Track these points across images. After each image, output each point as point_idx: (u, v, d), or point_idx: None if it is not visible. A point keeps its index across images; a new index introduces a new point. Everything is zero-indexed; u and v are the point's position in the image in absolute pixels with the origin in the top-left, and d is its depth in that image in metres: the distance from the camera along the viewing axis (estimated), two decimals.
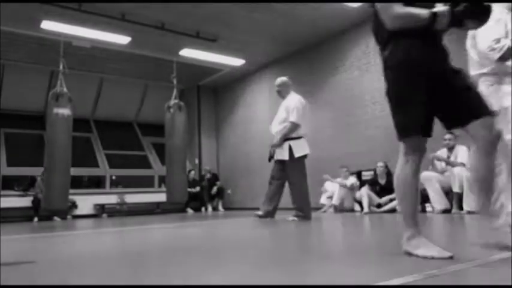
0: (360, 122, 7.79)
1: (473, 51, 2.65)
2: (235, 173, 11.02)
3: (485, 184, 1.87)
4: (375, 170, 6.73)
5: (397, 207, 6.16)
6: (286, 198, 5.36)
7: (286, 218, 4.99)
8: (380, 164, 6.60)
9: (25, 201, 8.69)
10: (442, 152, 5.84)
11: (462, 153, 5.66)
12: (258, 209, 5.47)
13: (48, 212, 8.19)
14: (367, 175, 7.07)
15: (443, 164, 5.77)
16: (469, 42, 2.68)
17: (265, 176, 9.86)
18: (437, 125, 6.26)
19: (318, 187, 7.79)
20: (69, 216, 8.81)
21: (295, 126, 5.05)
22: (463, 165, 5.48)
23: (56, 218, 8.43)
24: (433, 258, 1.66)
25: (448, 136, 5.79)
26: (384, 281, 1.33)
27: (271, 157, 5.34)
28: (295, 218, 4.93)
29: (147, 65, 9.94)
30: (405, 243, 1.83)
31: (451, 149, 5.76)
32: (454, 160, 5.64)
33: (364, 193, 6.39)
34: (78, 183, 9.67)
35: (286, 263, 1.92)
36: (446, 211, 5.44)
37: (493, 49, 2.45)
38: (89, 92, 10.79)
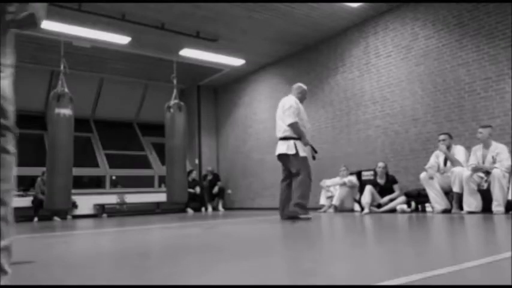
0: (360, 122, 7.79)
1: None
2: (235, 173, 11.02)
3: None
4: (374, 170, 6.73)
5: (397, 208, 6.17)
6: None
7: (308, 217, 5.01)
8: (380, 164, 6.60)
9: (25, 201, 8.69)
10: (440, 152, 5.83)
11: (459, 153, 5.66)
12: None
13: (51, 211, 8.19)
14: (367, 175, 7.07)
15: (441, 165, 5.76)
16: None
17: (265, 176, 9.91)
18: (435, 125, 6.27)
19: (318, 187, 7.80)
20: (69, 216, 8.81)
21: None
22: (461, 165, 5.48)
23: (56, 218, 8.44)
24: None
25: (442, 137, 5.78)
26: (384, 281, 1.33)
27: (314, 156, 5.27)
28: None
29: (147, 65, 9.94)
30: None
31: (447, 149, 5.74)
32: (454, 158, 5.61)
33: (368, 192, 6.39)
34: (79, 183, 9.66)
35: (286, 262, 1.92)
36: (446, 211, 5.44)
37: None
38: (89, 92, 10.79)
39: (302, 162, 4.99)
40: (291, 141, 5.02)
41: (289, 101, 5.17)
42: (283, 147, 5.06)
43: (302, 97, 5.42)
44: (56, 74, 9.07)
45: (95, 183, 10.49)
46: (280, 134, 5.16)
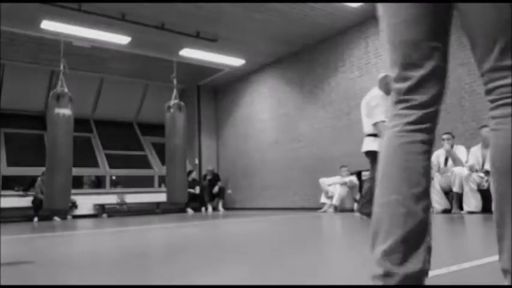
0: (360, 121, 7.78)
1: None
2: (235, 173, 11.02)
3: None
4: None
5: None
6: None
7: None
8: None
9: (25, 201, 8.69)
10: (440, 152, 5.83)
11: (461, 153, 5.66)
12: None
13: (50, 211, 8.19)
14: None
15: (442, 165, 5.76)
16: None
17: (265, 176, 9.91)
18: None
19: (318, 187, 7.79)
20: (69, 216, 8.81)
21: None
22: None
23: (56, 218, 8.43)
24: None
25: (446, 136, 5.78)
26: None
27: None
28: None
29: (147, 65, 9.94)
30: None
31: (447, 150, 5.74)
32: (457, 158, 5.61)
33: None
34: (79, 183, 9.67)
35: (286, 262, 1.92)
36: (446, 211, 5.44)
37: None
38: (89, 92, 10.79)
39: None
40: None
41: (375, 98, 4.82)
42: (374, 144, 4.77)
43: (390, 88, 4.99)
44: (56, 74, 9.06)
45: (95, 183, 10.47)
46: (370, 131, 4.89)
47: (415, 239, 0.91)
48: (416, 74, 0.98)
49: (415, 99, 0.98)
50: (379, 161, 1.02)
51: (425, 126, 0.98)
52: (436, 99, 1.02)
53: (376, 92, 4.90)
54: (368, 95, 4.99)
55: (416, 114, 0.98)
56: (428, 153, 0.99)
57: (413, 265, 0.89)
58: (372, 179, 4.81)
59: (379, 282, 0.91)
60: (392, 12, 1.01)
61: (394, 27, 1.01)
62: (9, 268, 2.03)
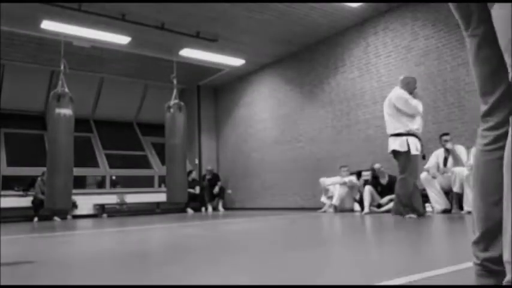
0: (360, 122, 7.79)
1: None
2: (235, 173, 11.02)
3: None
4: (373, 170, 6.72)
5: None
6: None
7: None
8: (376, 165, 6.59)
9: (25, 201, 8.69)
10: (440, 152, 5.83)
11: (461, 152, 5.66)
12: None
13: (51, 211, 8.19)
14: (367, 175, 7.07)
15: (441, 165, 5.76)
16: None
17: (265, 176, 9.91)
18: (435, 125, 6.28)
19: (318, 187, 7.80)
20: (69, 216, 8.81)
21: None
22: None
23: (56, 218, 8.44)
24: None
25: (448, 137, 5.79)
26: (384, 280, 1.33)
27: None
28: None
29: (147, 65, 9.94)
30: None
31: (448, 149, 5.74)
32: (460, 157, 5.62)
33: (367, 192, 6.40)
34: (80, 183, 9.67)
35: (286, 262, 1.92)
36: (446, 211, 5.44)
37: None
38: (89, 92, 10.79)
39: (409, 161, 4.82)
40: (404, 138, 4.85)
41: (403, 95, 4.90)
42: (396, 144, 4.88)
43: (411, 87, 5.02)
44: (56, 74, 9.07)
45: (95, 183, 10.48)
46: (391, 131, 4.95)
47: (493, 234, 1.14)
48: (490, 100, 1.18)
49: (491, 120, 1.17)
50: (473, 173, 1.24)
51: (500, 145, 1.16)
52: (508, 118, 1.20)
53: (399, 91, 4.99)
54: (391, 95, 5.04)
55: (491, 136, 1.17)
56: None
57: (492, 253, 1.14)
58: (402, 179, 4.91)
59: (474, 262, 1.20)
60: (470, 47, 1.20)
61: (472, 61, 1.21)
62: (9, 268, 2.03)
